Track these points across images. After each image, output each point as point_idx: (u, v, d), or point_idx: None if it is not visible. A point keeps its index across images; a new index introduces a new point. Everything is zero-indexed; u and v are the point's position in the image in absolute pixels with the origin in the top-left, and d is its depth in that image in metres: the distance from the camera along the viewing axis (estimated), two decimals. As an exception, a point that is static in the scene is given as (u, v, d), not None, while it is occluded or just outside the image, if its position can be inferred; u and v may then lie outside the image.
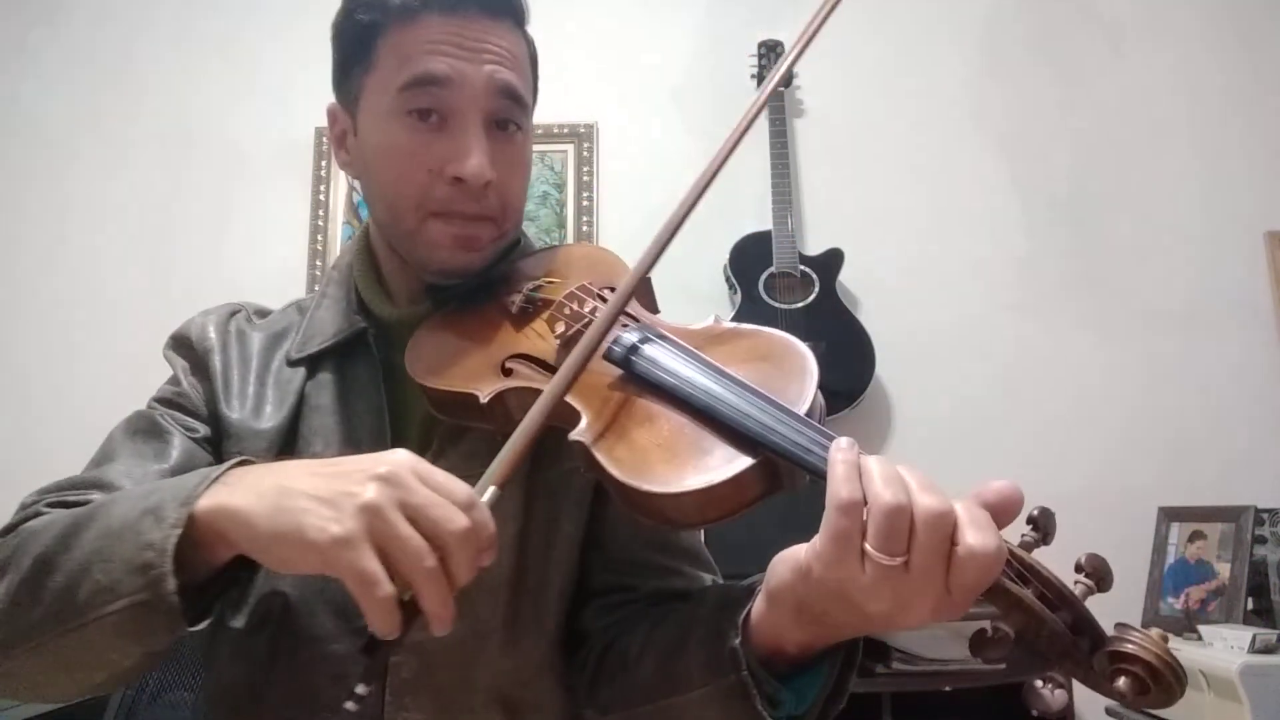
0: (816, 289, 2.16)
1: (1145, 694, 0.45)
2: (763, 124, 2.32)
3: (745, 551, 0.79)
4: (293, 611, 0.69)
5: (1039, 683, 0.43)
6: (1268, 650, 1.58)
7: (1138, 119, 2.40)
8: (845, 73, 2.42)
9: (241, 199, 2.39)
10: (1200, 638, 1.72)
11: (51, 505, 0.65)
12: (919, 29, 2.46)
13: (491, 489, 0.52)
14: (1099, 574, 0.47)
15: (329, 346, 0.77)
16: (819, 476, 0.49)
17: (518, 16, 0.74)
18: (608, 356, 0.62)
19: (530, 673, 0.71)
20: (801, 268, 2.18)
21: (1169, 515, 2.03)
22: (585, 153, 2.39)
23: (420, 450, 0.71)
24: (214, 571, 0.55)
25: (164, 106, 2.44)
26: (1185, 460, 2.16)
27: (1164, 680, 0.44)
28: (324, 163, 2.39)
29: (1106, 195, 2.36)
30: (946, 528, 0.44)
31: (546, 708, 0.72)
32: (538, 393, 0.59)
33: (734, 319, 1.96)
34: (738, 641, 0.55)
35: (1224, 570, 1.86)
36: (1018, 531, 0.47)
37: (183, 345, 0.80)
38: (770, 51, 2.35)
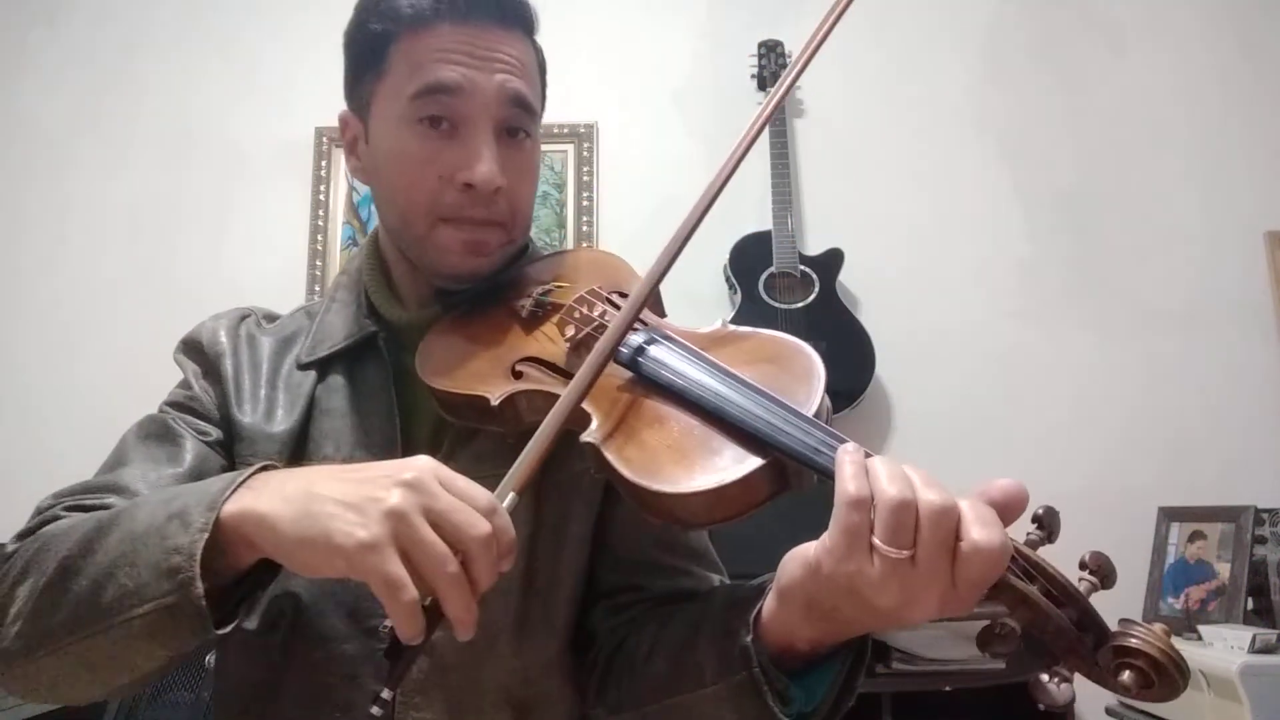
0: (816, 289, 2.16)
1: (1149, 687, 0.45)
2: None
3: (752, 552, 0.79)
4: (305, 612, 0.69)
5: (1044, 677, 0.44)
6: (1268, 650, 1.58)
7: (1138, 121, 2.40)
8: (846, 73, 2.42)
9: (241, 199, 2.39)
10: (1200, 638, 1.72)
11: (69, 509, 0.65)
12: (920, 32, 2.46)
13: (511, 495, 0.53)
14: (1103, 571, 0.48)
15: (339, 350, 0.77)
16: (827, 477, 0.50)
17: (528, 26, 0.75)
18: (617, 359, 0.62)
19: (539, 673, 0.71)
20: (801, 268, 2.18)
21: (1169, 515, 2.03)
22: (585, 153, 2.39)
23: (431, 452, 0.71)
24: (238, 575, 0.56)
25: (164, 107, 2.44)
26: (1185, 460, 2.16)
27: (1167, 674, 0.45)
28: (324, 163, 2.39)
29: (1107, 196, 2.36)
30: (950, 522, 0.45)
31: (555, 708, 0.72)
32: (548, 395, 0.60)
33: (734, 319, 1.95)
34: (749, 639, 0.55)
35: (1224, 570, 1.86)
36: (1023, 530, 0.48)
37: (194, 349, 0.81)
38: (770, 52, 2.35)
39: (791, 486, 0.55)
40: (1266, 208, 2.33)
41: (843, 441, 0.51)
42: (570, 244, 2.33)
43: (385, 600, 0.48)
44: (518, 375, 0.68)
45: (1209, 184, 2.36)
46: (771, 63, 2.34)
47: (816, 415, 0.56)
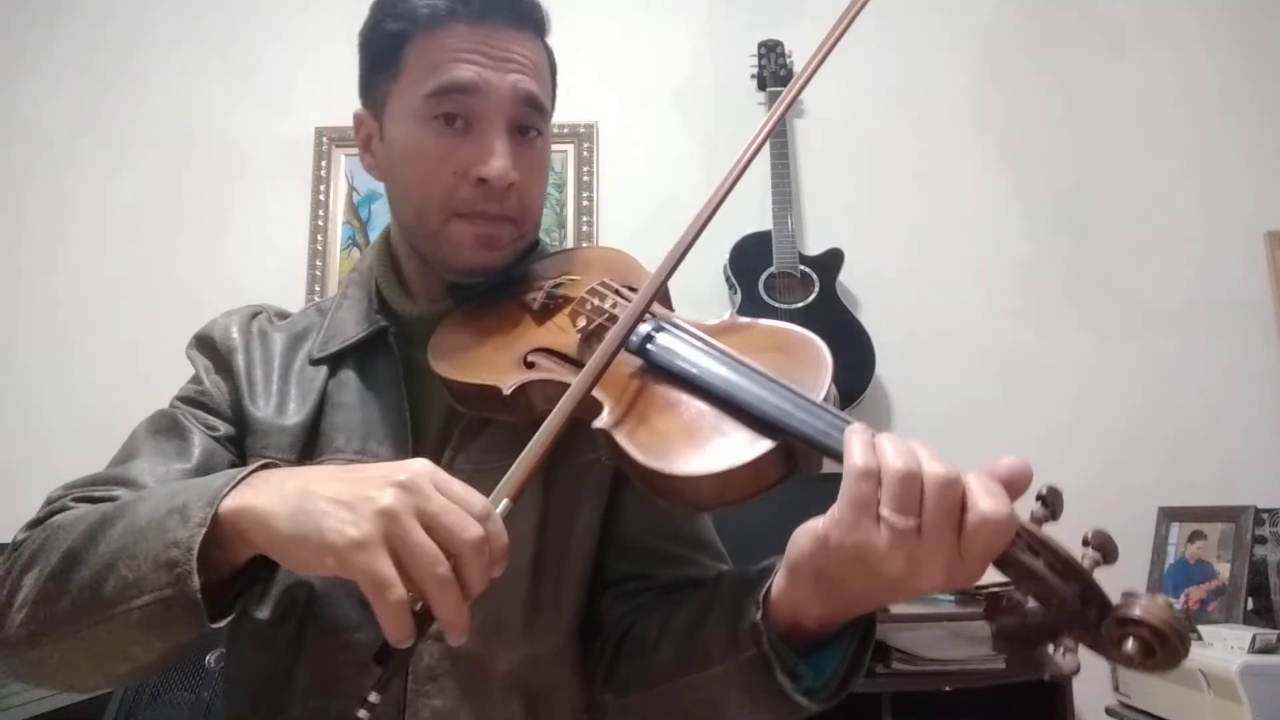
0: (816, 289, 2.16)
1: (1151, 656, 0.46)
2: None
3: (756, 546, 0.80)
4: (318, 602, 0.70)
5: (1051, 648, 0.45)
6: (1268, 650, 1.58)
7: (1138, 121, 2.40)
8: (846, 73, 2.42)
9: (241, 199, 2.39)
10: (1200, 638, 1.72)
11: (77, 500, 0.67)
12: (920, 32, 2.46)
13: (505, 501, 0.53)
14: (1105, 548, 0.49)
15: (350, 345, 0.78)
16: (836, 458, 0.51)
17: (539, 27, 0.77)
18: (628, 347, 0.64)
19: (549, 660, 0.72)
20: (801, 268, 2.18)
21: (1169, 515, 2.03)
22: (585, 153, 2.39)
23: (440, 445, 0.74)
24: (236, 570, 0.57)
25: (164, 107, 2.44)
26: (1185, 460, 2.16)
27: (1169, 642, 0.46)
28: (324, 163, 2.40)
29: (1107, 196, 2.36)
30: (955, 493, 0.47)
31: (564, 695, 0.73)
32: (560, 384, 0.61)
33: (734, 319, 1.96)
34: (758, 616, 0.56)
35: (1224, 570, 1.86)
36: (1027, 509, 0.49)
37: (206, 345, 0.82)
38: (770, 52, 2.35)
39: (800, 469, 0.56)
40: (1266, 208, 2.33)
41: (850, 423, 0.52)
42: (570, 244, 2.34)
43: (372, 599, 0.48)
44: (530, 365, 0.69)
45: (1209, 184, 2.36)
46: (771, 63, 2.34)
47: (825, 401, 0.57)
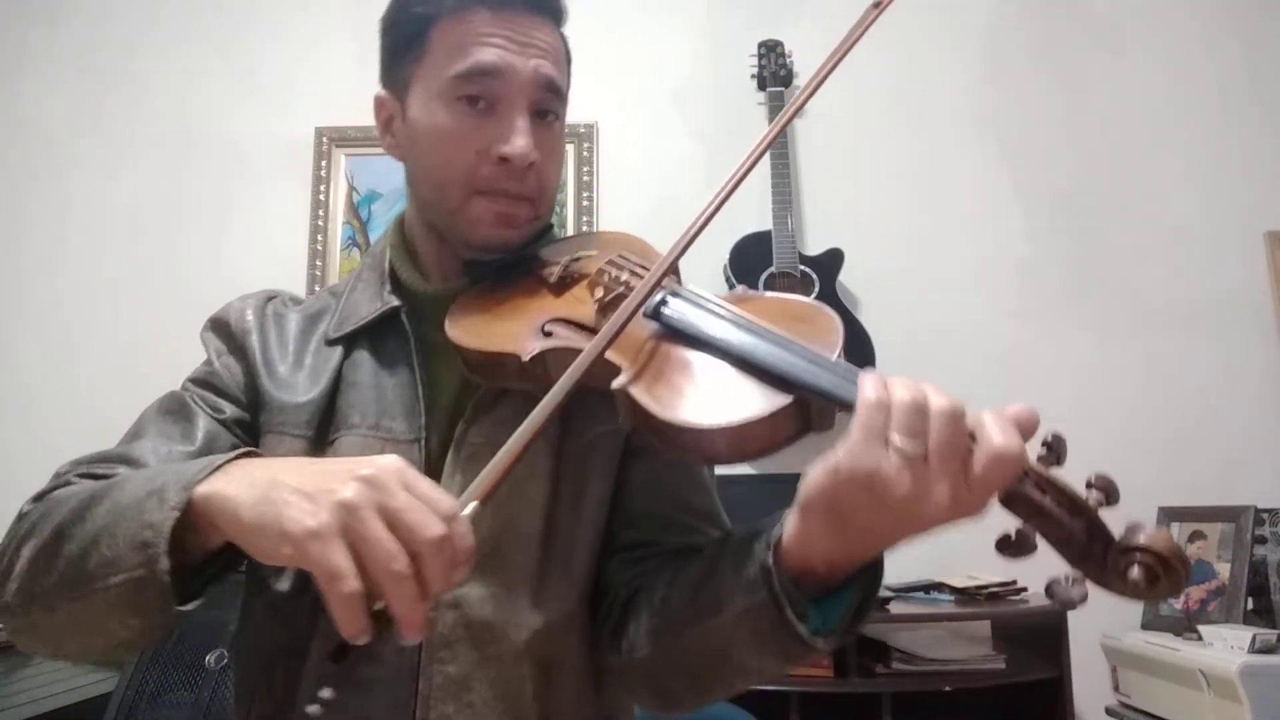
0: (816, 289, 2.16)
1: (1156, 583, 0.49)
2: (763, 124, 2.32)
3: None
4: None
5: (1061, 579, 0.47)
6: (1268, 650, 1.58)
7: (1137, 121, 2.40)
8: (846, 74, 2.40)
9: (241, 199, 2.39)
10: (1200, 638, 1.72)
11: (81, 476, 0.69)
12: (920, 32, 2.45)
13: (474, 504, 0.53)
14: (1108, 489, 0.51)
15: (364, 325, 0.80)
16: (850, 410, 0.53)
17: (557, 16, 0.81)
18: (644, 312, 0.66)
19: (560, 628, 0.73)
20: (801, 268, 2.18)
21: (1169, 515, 2.03)
22: (585, 153, 2.39)
23: (453, 419, 0.75)
24: (208, 555, 0.58)
25: (164, 107, 2.44)
26: (1185, 460, 2.16)
27: (1172, 568, 0.48)
28: (324, 163, 2.40)
29: (1107, 196, 2.36)
30: (959, 422, 0.50)
31: (574, 664, 0.74)
32: (578, 352, 0.62)
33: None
34: (770, 559, 0.57)
35: (1224, 570, 1.86)
36: (1033, 457, 0.52)
37: (220, 328, 0.83)
38: (770, 52, 2.35)
39: (814, 426, 0.58)
40: (1266, 208, 2.33)
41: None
42: (570, 244, 2.34)
43: (325, 590, 0.48)
44: (548, 334, 0.70)
45: (1209, 184, 2.36)
46: (771, 63, 2.34)
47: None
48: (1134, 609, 1.97)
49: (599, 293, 0.71)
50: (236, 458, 0.58)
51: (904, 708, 1.71)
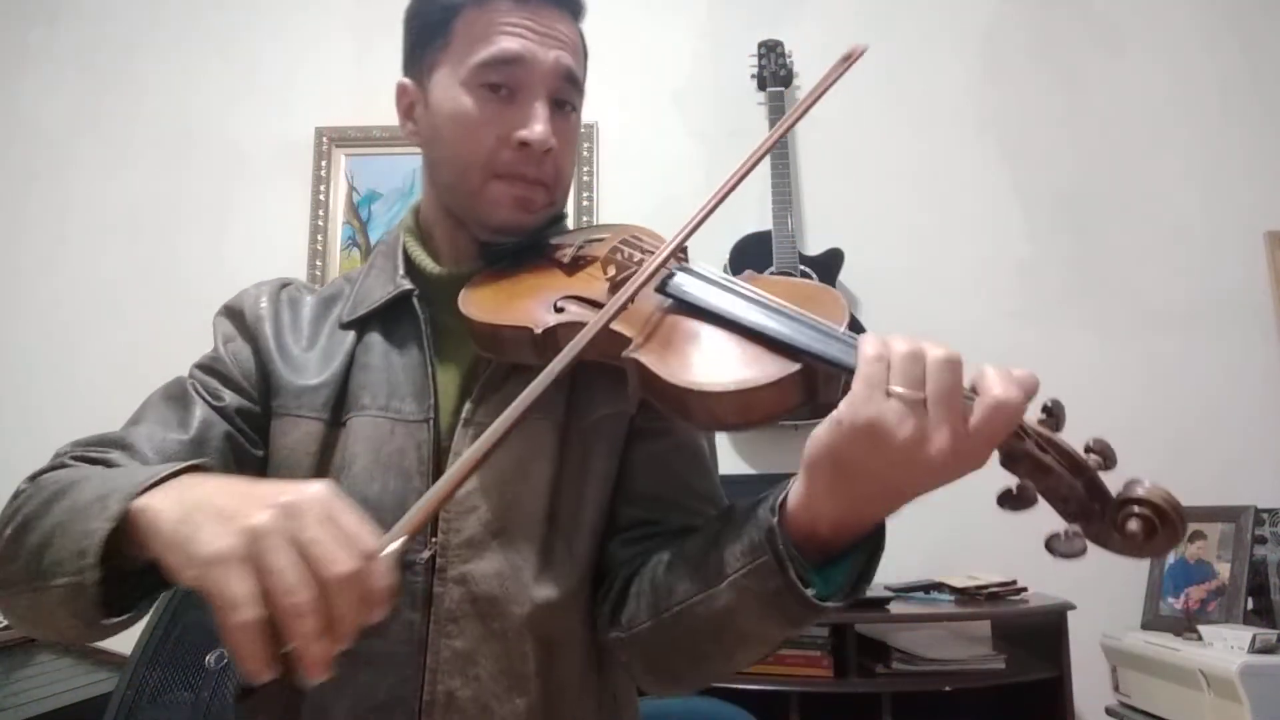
0: (816, 289, 2.16)
1: (1153, 535, 0.50)
2: (763, 124, 2.32)
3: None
4: None
5: (1061, 532, 0.49)
6: (1268, 650, 1.58)
7: (1137, 121, 2.40)
8: (847, 74, 2.42)
9: (241, 199, 2.39)
10: (1200, 638, 1.72)
11: (76, 459, 0.70)
12: (920, 32, 2.46)
13: (402, 539, 0.51)
14: (1106, 453, 0.54)
15: (377, 309, 0.82)
16: (854, 373, 0.54)
17: (577, 11, 0.83)
18: (656, 287, 0.68)
19: (561, 605, 0.74)
20: (801, 268, 2.18)
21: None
22: (585, 153, 2.39)
23: (461, 399, 0.77)
24: (148, 566, 0.56)
25: (164, 107, 2.44)
26: (1185, 460, 2.16)
27: (1169, 520, 0.50)
28: (324, 163, 2.40)
29: (1107, 196, 2.36)
30: (956, 368, 0.52)
31: (576, 643, 0.76)
32: None
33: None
34: (774, 520, 0.57)
35: (1224, 570, 1.86)
36: (1033, 421, 0.54)
37: (233, 314, 0.85)
38: (770, 52, 2.35)
39: (819, 396, 0.60)
40: (1266, 208, 2.33)
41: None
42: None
43: (220, 619, 0.45)
44: (560, 310, 0.72)
45: (1209, 184, 2.36)
46: (771, 63, 2.34)
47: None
48: (1134, 609, 1.97)
49: (611, 270, 0.73)
50: (186, 470, 0.57)
51: (904, 708, 1.71)
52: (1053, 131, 2.40)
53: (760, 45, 2.37)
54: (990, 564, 1.98)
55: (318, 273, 2.32)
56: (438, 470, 0.75)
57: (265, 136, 2.42)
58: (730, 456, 2.21)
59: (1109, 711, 1.93)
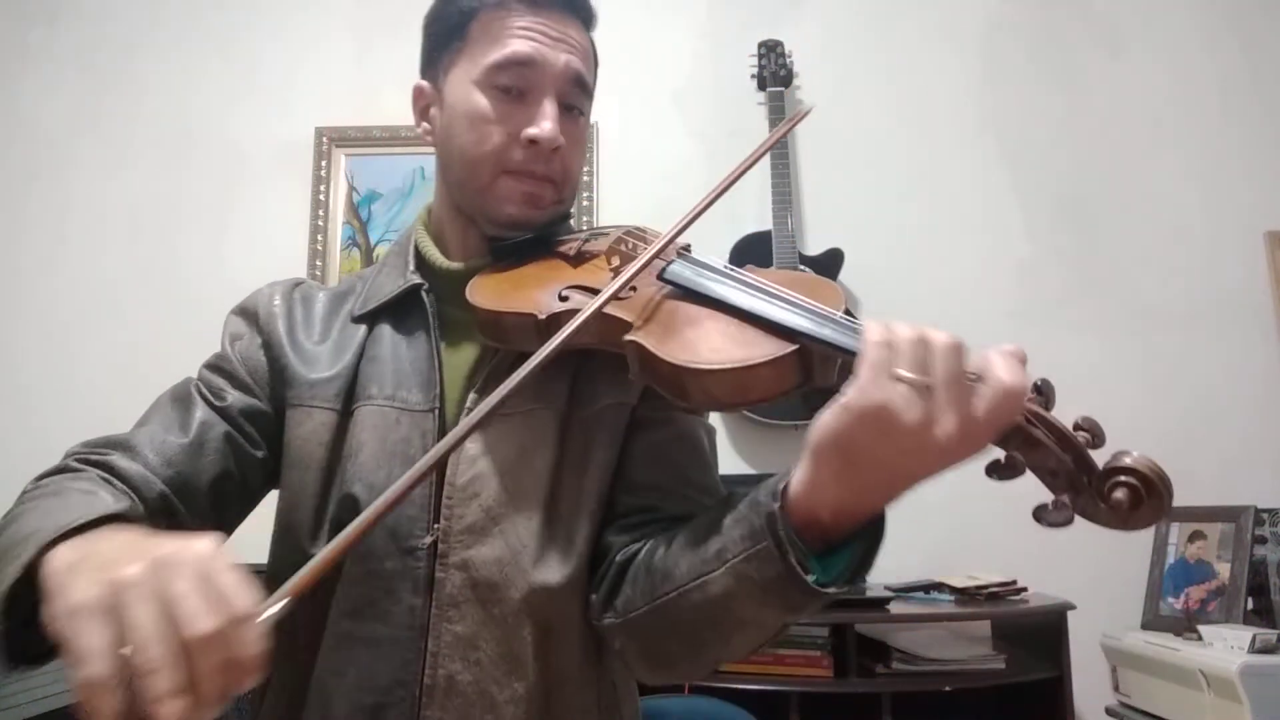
0: (816, 289, 2.16)
1: (1139, 505, 0.51)
2: (763, 124, 2.32)
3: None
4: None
5: (1047, 505, 0.50)
6: (1268, 650, 1.58)
7: (1137, 121, 2.40)
8: (846, 74, 2.43)
9: (242, 199, 2.39)
10: (1200, 638, 1.72)
11: (80, 459, 0.72)
12: (920, 32, 2.46)
13: (283, 602, 0.48)
14: (1094, 431, 0.55)
15: (387, 303, 0.84)
16: (851, 358, 0.56)
17: (588, 19, 0.87)
18: (655, 273, 0.70)
19: (559, 591, 0.75)
20: (801, 267, 2.18)
21: (1169, 515, 2.03)
22: (585, 153, 2.38)
23: (466, 389, 0.79)
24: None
25: (164, 107, 2.44)
26: (1185, 460, 2.15)
27: (1155, 489, 0.51)
28: (324, 163, 2.39)
29: (1106, 196, 2.36)
30: (961, 354, 0.53)
31: (573, 628, 0.76)
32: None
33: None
34: (775, 505, 0.57)
35: (1224, 570, 1.86)
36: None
37: (245, 313, 0.87)
38: (770, 52, 2.35)
39: (815, 378, 0.62)
40: (1266, 208, 2.33)
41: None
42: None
43: (72, 673, 0.43)
44: (564, 299, 0.74)
45: (1209, 184, 2.36)
46: (771, 63, 2.34)
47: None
48: (1134, 609, 1.97)
49: (615, 261, 0.75)
50: (108, 520, 0.56)
51: (904, 708, 1.71)
52: (1053, 131, 2.40)
53: (760, 45, 2.36)
54: (990, 564, 1.98)
55: (318, 273, 2.32)
56: (442, 460, 0.74)
57: (265, 136, 2.42)
58: (730, 456, 2.21)
59: (1109, 711, 1.93)
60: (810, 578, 0.56)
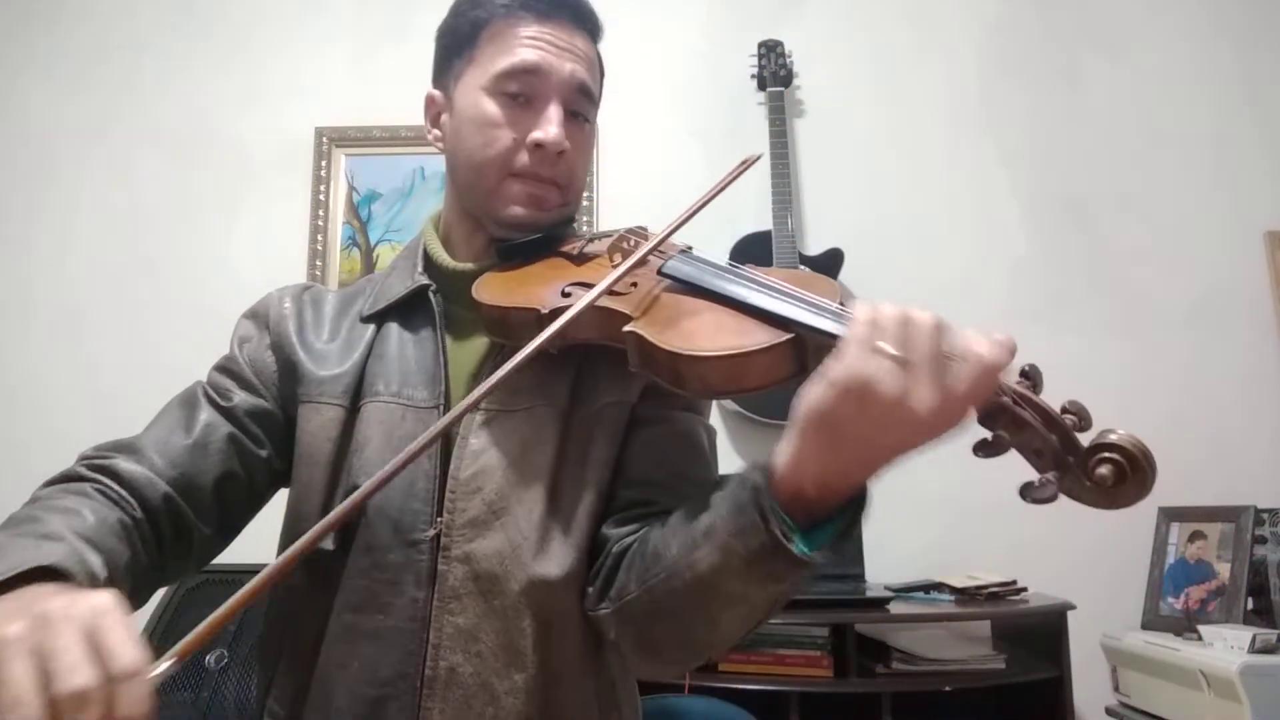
0: (816, 289, 2.16)
1: (1123, 481, 0.52)
2: (763, 124, 2.32)
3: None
4: (364, 527, 0.77)
5: (1033, 482, 0.51)
6: (1268, 650, 1.58)
7: (1137, 121, 2.40)
8: (846, 73, 2.43)
9: (242, 199, 2.39)
10: (1200, 638, 1.72)
11: (87, 464, 0.74)
12: (920, 32, 2.46)
13: (170, 662, 0.48)
14: (1081, 414, 0.56)
15: (395, 303, 0.86)
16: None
17: (594, 31, 0.90)
18: (655, 269, 0.73)
19: (558, 585, 0.76)
20: (801, 268, 2.18)
21: (1169, 515, 2.03)
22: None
23: (471, 386, 0.81)
24: None
25: (166, 108, 2.44)
26: (1185, 460, 2.16)
27: (1139, 465, 0.52)
28: (324, 163, 2.39)
29: (1106, 196, 2.36)
30: (943, 330, 0.54)
31: (572, 621, 0.77)
32: (593, 309, 0.67)
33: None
34: (761, 478, 0.59)
35: (1224, 570, 1.86)
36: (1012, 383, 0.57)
37: (255, 316, 0.89)
38: (770, 52, 2.35)
39: (810, 366, 0.62)
40: (1266, 208, 2.33)
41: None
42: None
43: None
44: (567, 295, 0.76)
45: (1209, 184, 2.35)
46: (771, 63, 2.34)
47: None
48: (1134, 609, 1.97)
49: (617, 259, 0.77)
50: (39, 579, 0.54)
51: (904, 708, 1.71)
52: (1052, 131, 2.40)
53: (760, 45, 2.36)
54: (990, 564, 1.98)
55: (318, 273, 2.32)
56: (446, 455, 0.78)
57: (265, 136, 2.42)
58: (731, 456, 2.21)
59: (1109, 711, 1.93)
60: (794, 547, 0.57)
